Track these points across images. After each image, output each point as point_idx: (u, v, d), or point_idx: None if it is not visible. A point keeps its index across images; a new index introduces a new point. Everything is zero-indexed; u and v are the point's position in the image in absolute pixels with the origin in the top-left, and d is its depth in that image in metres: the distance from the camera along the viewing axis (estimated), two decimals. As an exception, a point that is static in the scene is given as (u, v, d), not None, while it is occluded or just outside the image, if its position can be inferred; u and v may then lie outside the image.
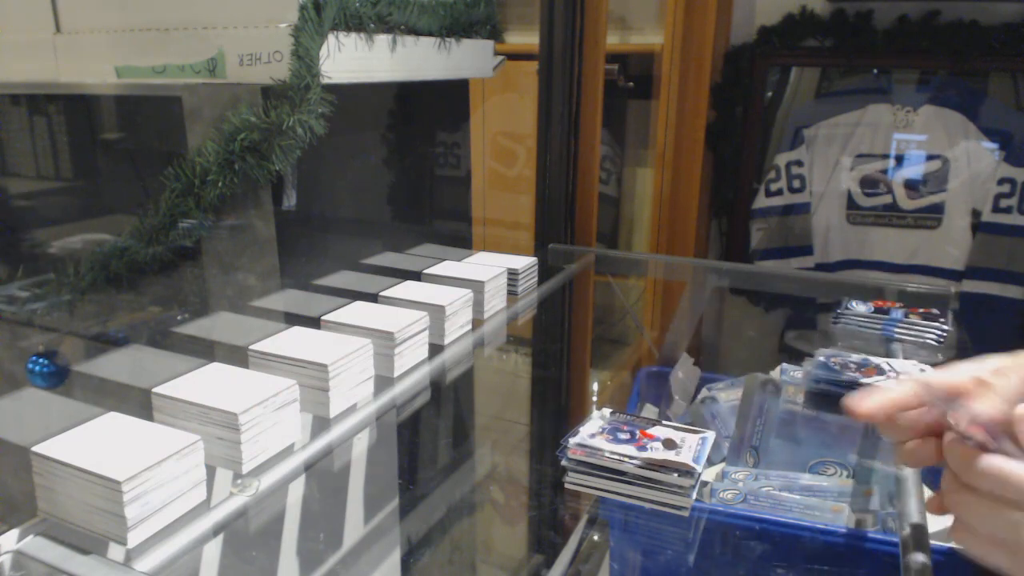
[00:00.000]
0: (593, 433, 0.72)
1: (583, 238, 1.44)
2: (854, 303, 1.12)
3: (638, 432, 0.73)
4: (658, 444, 0.70)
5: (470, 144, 1.22)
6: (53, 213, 0.94)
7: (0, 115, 0.93)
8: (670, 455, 0.68)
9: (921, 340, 1.05)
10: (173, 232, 0.77)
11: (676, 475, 0.66)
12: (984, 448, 0.44)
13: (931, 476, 0.98)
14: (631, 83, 2.01)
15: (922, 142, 1.78)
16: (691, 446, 0.69)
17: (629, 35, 2.01)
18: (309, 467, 0.68)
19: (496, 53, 1.15)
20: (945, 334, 1.05)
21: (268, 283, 0.81)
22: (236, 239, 0.80)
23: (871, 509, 0.95)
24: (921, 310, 1.10)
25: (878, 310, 1.10)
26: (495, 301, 1.04)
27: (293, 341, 0.78)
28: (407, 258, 1.07)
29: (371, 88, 0.93)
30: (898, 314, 1.09)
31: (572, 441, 0.71)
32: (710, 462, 1.07)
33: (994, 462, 0.43)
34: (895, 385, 0.51)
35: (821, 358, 0.92)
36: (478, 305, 1.00)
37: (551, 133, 1.37)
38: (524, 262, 1.13)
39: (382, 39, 0.86)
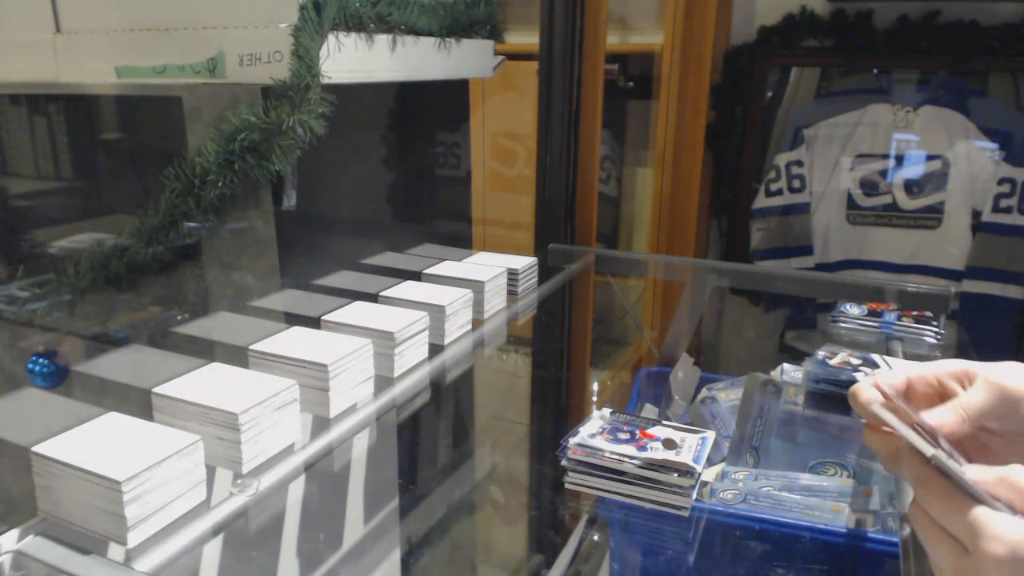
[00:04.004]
0: (593, 433, 0.72)
1: (583, 238, 1.44)
2: (848, 306, 1.12)
3: (638, 432, 0.73)
4: (658, 444, 0.70)
5: (470, 144, 1.22)
6: (53, 213, 0.94)
7: (0, 115, 0.93)
8: (670, 455, 0.68)
9: (920, 338, 1.05)
10: (173, 232, 0.77)
11: (676, 475, 0.66)
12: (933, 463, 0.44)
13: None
14: (631, 83, 2.01)
15: (922, 142, 1.78)
16: (691, 446, 0.69)
17: (629, 35, 2.01)
18: (309, 467, 0.68)
19: (496, 53, 1.15)
20: (939, 336, 1.05)
21: (268, 283, 0.81)
22: (236, 239, 0.80)
23: (871, 509, 0.95)
24: (914, 312, 1.11)
25: (871, 312, 1.11)
26: (495, 301, 1.04)
27: (293, 341, 0.78)
28: (407, 258, 1.07)
29: (371, 88, 0.93)
30: (891, 316, 1.09)
31: (572, 441, 0.71)
32: (710, 462, 1.07)
33: (948, 499, 0.43)
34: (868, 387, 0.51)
35: (821, 358, 0.93)
36: (478, 305, 1.00)
37: (551, 133, 1.37)
38: (524, 262, 1.13)
39: (382, 39, 0.86)
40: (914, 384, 0.51)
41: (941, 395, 0.51)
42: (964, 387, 0.50)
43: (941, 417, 0.47)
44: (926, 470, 0.44)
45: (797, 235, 1.89)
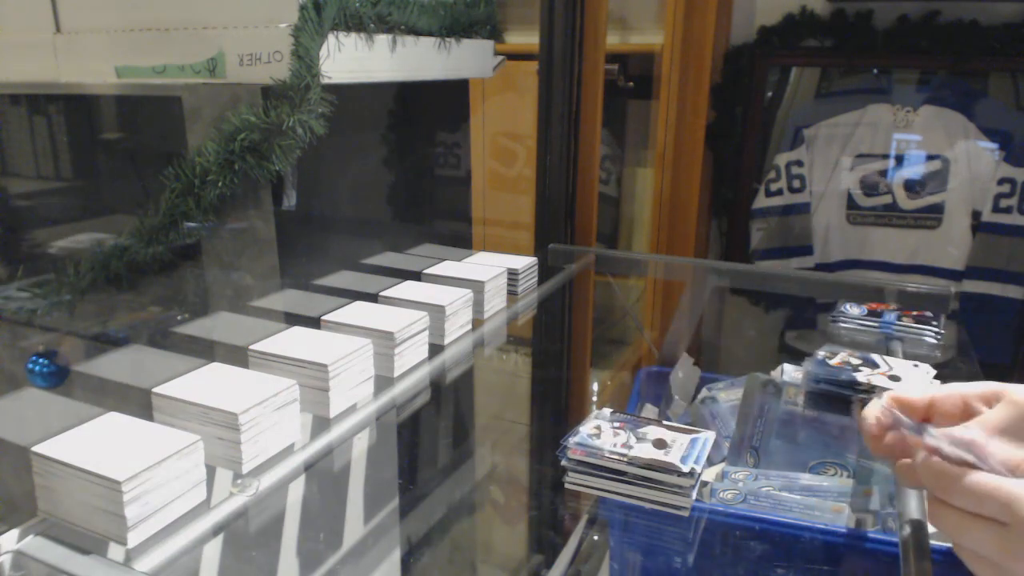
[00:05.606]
0: (593, 433, 0.72)
1: (583, 238, 1.44)
2: (848, 306, 1.12)
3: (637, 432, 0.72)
4: (647, 444, 0.70)
5: (470, 144, 1.22)
6: (53, 213, 0.94)
7: (0, 115, 0.93)
8: (658, 454, 0.67)
9: (920, 338, 1.05)
10: (173, 232, 0.77)
11: (676, 475, 0.66)
12: (955, 461, 0.45)
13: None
14: (631, 83, 2.01)
15: (922, 142, 1.78)
16: (682, 445, 0.69)
17: (629, 35, 2.01)
18: (309, 467, 0.68)
19: (496, 53, 1.15)
20: (939, 336, 1.05)
21: (268, 283, 0.81)
22: (236, 239, 0.80)
23: (871, 509, 0.95)
24: (914, 312, 1.11)
25: (871, 312, 1.11)
26: (495, 301, 1.04)
27: (293, 341, 0.78)
28: (407, 258, 1.07)
29: (371, 88, 0.93)
30: (891, 316, 1.09)
31: (572, 441, 0.71)
32: (710, 462, 1.07)
33: (971, 480, 0.44)
34: (873, 408, 0.52)
35: (821, 358, 0.92)
36: (478, 305, 1.00)
37: (551, 133, 1.37)
38: (524, 262, 1.13)
39: (382, 39, 0.86)
40: (939, 403, 0.51)
41: (966, 415, 0.50)
42: (991, 408, 0.49)
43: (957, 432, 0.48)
44: (943, 466, 0.45)
45: (797, 235, 1.90)
